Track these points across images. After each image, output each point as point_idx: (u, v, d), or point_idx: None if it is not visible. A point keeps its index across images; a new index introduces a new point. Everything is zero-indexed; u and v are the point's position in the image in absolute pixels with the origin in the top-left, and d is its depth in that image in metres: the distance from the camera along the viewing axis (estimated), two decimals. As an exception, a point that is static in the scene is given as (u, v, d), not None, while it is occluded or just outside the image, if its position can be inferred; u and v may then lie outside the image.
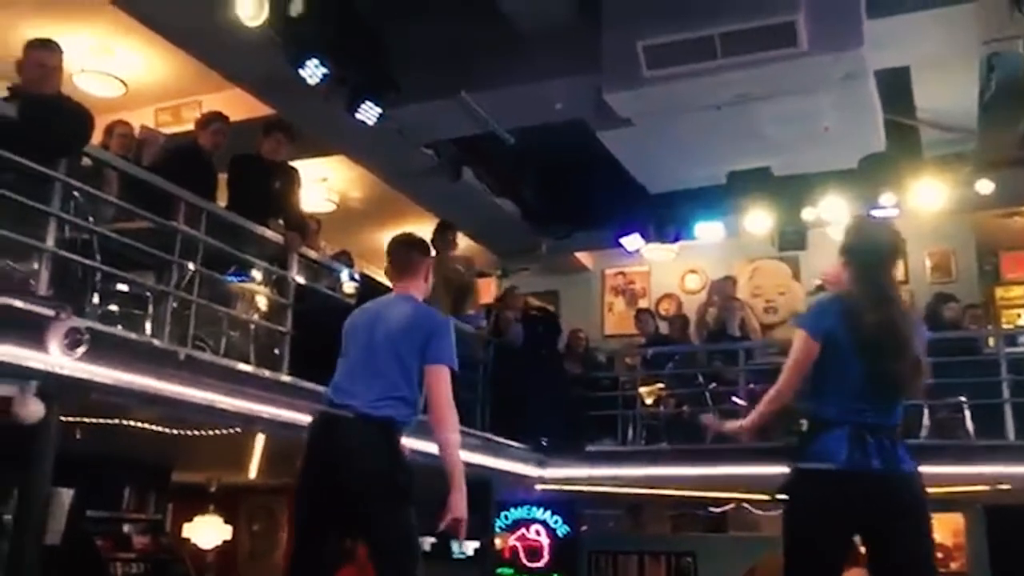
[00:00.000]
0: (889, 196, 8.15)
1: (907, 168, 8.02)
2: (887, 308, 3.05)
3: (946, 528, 9.93)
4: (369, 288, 6.80)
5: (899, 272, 9.97)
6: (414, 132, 8.00)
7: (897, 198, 8.20)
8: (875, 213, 8.10)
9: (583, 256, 11.49)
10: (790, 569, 3.01)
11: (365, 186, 9.54)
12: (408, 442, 3.33)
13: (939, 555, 9.93)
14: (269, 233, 6.16)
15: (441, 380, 3.29)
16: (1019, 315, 9.39)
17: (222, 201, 6.20)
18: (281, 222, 6.43)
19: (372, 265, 8.85)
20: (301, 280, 6.37)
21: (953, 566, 9.83)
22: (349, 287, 6.97)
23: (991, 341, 8.34)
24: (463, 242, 9.61)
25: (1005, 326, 9.42)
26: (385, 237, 10.81)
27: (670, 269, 11.22)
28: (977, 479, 7.72)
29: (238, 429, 5.49)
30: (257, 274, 6.21)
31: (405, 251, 3.79)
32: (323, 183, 9.51)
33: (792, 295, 10.72)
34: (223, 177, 6.42)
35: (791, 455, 3.10)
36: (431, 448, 3.27)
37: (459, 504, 3.19)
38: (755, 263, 10.91)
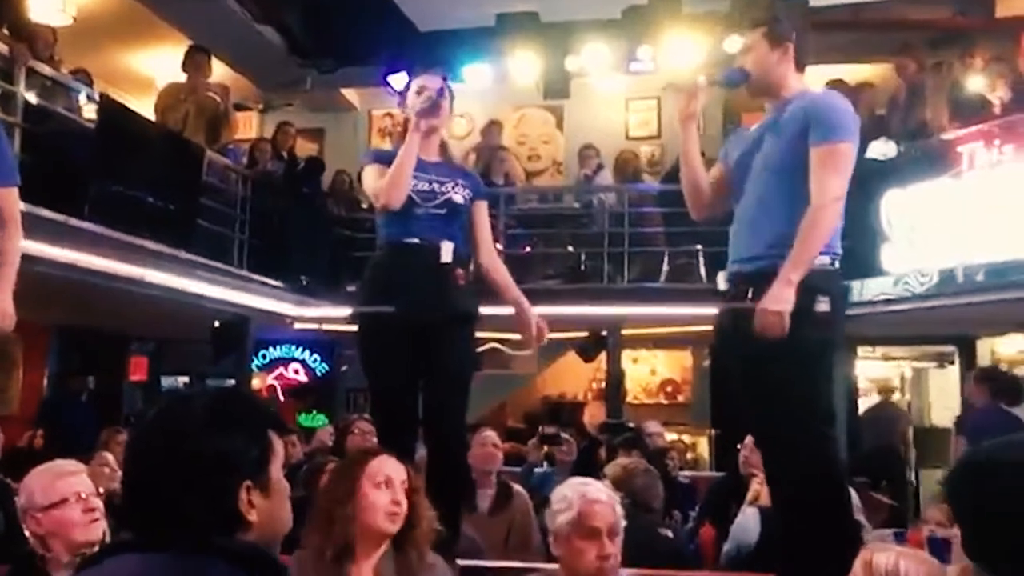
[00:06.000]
0: (647, 49, 8.42)
1: (665, 23, 8.27)
2: None
3: (676, 364, 10.95)
4: (111, 112, 6.30)
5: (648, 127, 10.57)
6: (164, -58, 7.29)
7: (654, 52, 8.49)
8: (632, 67, 8.38)
9: (350, 94, 11.14)
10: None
11: (108, -1, 8.64)
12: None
13: (669, 389, 10.98)
14: (-8, 42, 5.50)
15: None
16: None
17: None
18: (6, 31, 5.74)
19: (115, 88, 8.14)
20: (32, 98, 5.77)
21: (680, 398, 10.90)
22: (88, 110, 6.40)
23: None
24: (223, 71, 9.02)
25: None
26: (131, 58, 9.95)
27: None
28: (705, 320, 8.48)
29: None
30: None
31: None
32: (58, -8, 8.51)
33: (555, 144, 11.02)
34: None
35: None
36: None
37: None
38: (521, 111, 11.05)
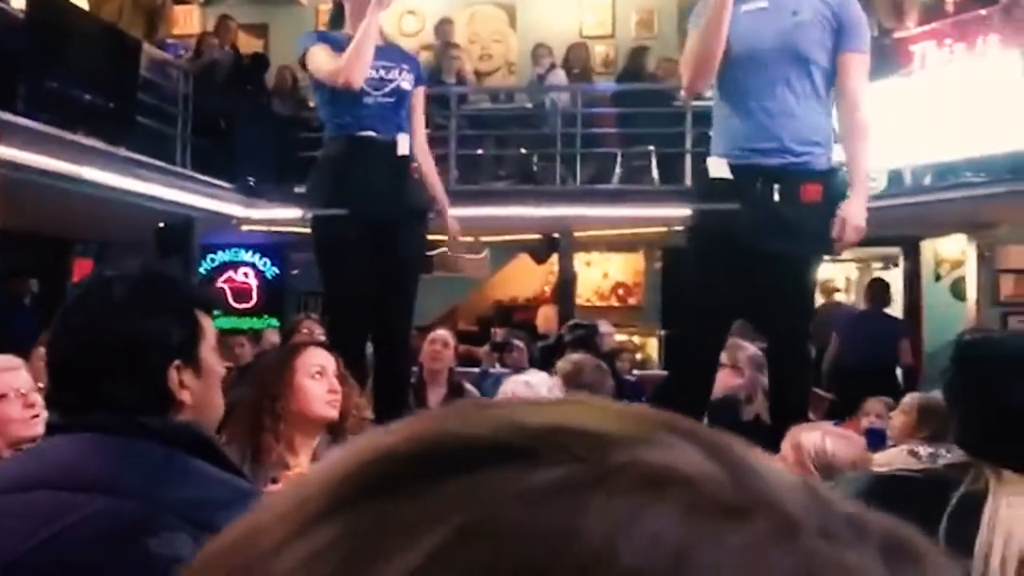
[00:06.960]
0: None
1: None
2: None
3: (628, 267, 11.01)
4: (41, 2, 5.99)
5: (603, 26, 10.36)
6: None
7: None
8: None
9: (295, -13, 10.75)
10: None
11: None
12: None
13: (620, 292, 11.06)
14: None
15: None
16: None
17: None
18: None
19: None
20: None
21: (632, 301, 10.99)
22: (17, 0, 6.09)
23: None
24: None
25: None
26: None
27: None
28: (658, 221, 8.51)
29: None
30: None
31: None
32: None
33: (507, 43, 10.78)
34: None
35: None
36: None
37: None
38: (473, 8, 10.76)
